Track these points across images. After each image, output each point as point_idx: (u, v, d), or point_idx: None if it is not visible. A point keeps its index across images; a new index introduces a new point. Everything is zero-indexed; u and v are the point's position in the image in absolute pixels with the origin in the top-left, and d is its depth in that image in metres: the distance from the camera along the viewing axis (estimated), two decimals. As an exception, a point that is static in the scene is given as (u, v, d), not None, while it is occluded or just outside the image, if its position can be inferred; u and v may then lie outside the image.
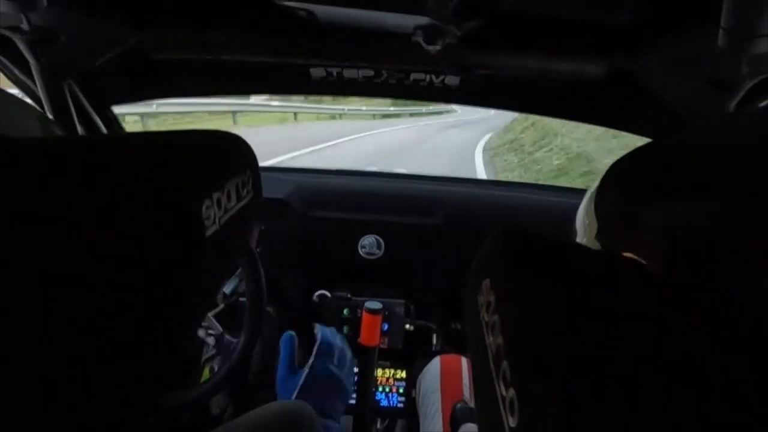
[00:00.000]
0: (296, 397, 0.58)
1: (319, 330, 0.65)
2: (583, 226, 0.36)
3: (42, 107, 0.74)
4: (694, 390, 0.14)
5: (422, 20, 0.63)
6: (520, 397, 0.16)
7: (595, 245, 0.32)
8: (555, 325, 0.17)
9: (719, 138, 0.24)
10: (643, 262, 0.23)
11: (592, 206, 0.34)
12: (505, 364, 0.18)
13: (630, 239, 0.25)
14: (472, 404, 0.81)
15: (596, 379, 0.15)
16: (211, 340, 0.88)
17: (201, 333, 0.85)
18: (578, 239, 0.37)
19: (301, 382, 0.59)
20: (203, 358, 0.94)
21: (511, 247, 0.23)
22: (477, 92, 0.98)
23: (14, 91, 0.71)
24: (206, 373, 0.91)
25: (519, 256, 0.22)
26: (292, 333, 0.64)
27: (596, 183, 0.35)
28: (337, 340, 0.67)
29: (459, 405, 0.74)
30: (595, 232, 0.32)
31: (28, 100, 0.77)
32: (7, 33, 0.65)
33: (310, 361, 0.61)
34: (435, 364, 0.96)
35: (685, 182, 0.22)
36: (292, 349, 0.63)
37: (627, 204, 0.27)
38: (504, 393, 0.17)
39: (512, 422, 0.16)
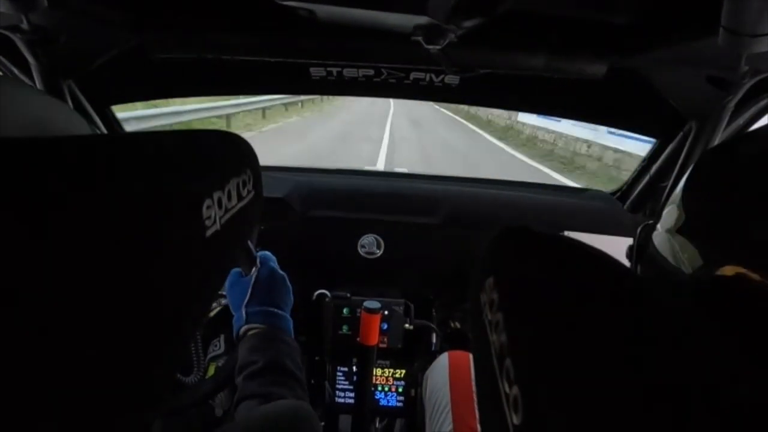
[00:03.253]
0: (249, 296, 0.62)
1: (259, 251, 0.69)
2: (670, 216, 0.33)
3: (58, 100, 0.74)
4: (698, 390, 0.14)
5: (422, 20, 0.63)
6: (523, 394, 0.16)
7: (684, 247, 0.30)
8: (558, 323, 0.17)
9: None
10: (754, 276, 0.21)
11: (681, 196, 0.31)
12: (508, 361, 0.18)
13: (728, 248, 0.23)
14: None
15: (599, 376, 0.15)
16: (221, 339, 0.88)
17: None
18: (659, 229, 0.35)
19: (252, 281, 0.63)
20: (209, 356, 0.94)
21: (514, 245, 0.23)
22: (477, 92, 0.98)
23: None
24: (211, 371, 0.92)
25: (522, 254, 0.22)
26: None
27: (689, 170, 0.32)
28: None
29: None
30: (681, 225, 0.30)
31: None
32: (7, 33, 0.65)
33: (254, 269, 0.65)
34: (443, 361, 0.95)
35: None
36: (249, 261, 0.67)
37: (723, 202, 0.24)
38: (507, 391, 0.17)
39: (516, 420, 0.16)
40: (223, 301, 0.91)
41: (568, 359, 0.16)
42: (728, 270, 0.23)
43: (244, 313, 0.61)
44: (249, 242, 0.67)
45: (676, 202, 0.33)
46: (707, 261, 0.27)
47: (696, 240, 0.29)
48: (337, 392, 1.22)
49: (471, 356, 0.93)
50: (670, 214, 0.34)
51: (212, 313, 0.90)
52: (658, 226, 0.36)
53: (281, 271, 0.68)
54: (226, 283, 0.67)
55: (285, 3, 0.61)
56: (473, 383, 0.85)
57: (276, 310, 0.62)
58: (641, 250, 0.40)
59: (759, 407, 0.13)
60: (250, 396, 0.53)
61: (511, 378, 0.17)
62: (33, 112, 0.28)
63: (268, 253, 0.70)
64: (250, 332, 0.60)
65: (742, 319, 0.17)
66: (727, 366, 0.15)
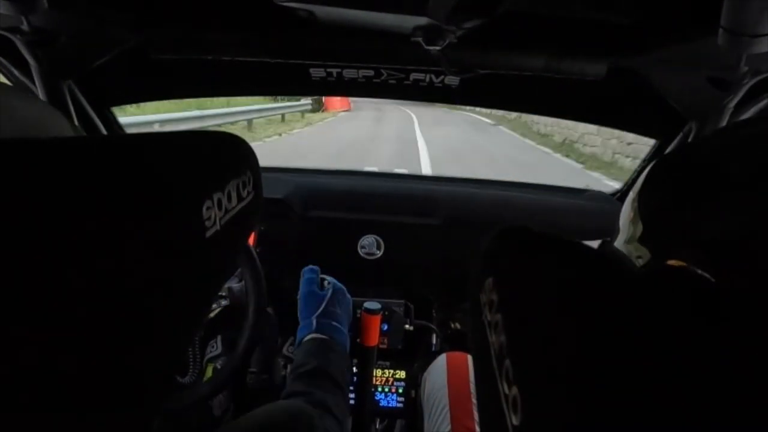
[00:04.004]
0: (323, 309, 0.70)
1: (329, 278, 0.79)
2: (626, 228, 0.35)
3: (37, 98, 0.73)
4: (698, 391, 0.14)
5: (422, 20, 0.63)
6: (523, 395, 0.16)
7: (639, 249, 0.31)
8: (557, 324, 0.17)
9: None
10: (698, 270, 0.22)
11: (635, 206, 0.32)
12: (507, 362, 0.18)
13: (678, 246, 0.24)
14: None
15: (599, 377, 0.15)
16: (218, 340, 0.88)
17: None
18: (618, 241, 0.36)
19: (329, 296, 0.72)
20: (207, 357, 0.94)
21: (513, 246, 0.23)
22: (477, 92, 0.98)
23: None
24: (209, 372, 0.91)
25: (522, 255, 0.22)
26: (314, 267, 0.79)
27: (640, 181, 0.33)
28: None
29: None
30: (639, 235, 0.31)
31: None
32: (7, 34, 0.65)
33: (328, 284, 0.76)
34: (441, 362, 0.95)
35: (740, 183, 0.21)
36: (315, 273, 0.78)
37: (675, 206, 0.25)
38: (507, 391, 0.17)
39: (515, 420, 0.16)
40: (223, 302, 0.90)
41: (567, 359, 0.16)
42: (673, 263, 0.24)
43: (315, 322, 0.68)
44: (249, 245, 0.68)
45: (629, 215, 0.34)
46: (654, 255, 0.29)
47: (650, 244, 0.30)
48: None
49: (469, 357, 0.93)
50: (624, 225, 0.35)
51: (211, 314, 0.90)
52: (617, 240, 0.37)
53: (348, 295, 0.77)
54: (301, 291, 0.74)
55: (285, 4, 0.61)
56: (471, 384, 0.85)
57: (339, 325, 0.69)
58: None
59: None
60: (295, 393, 0.58)
61: (511, 378, 0.17)
62: (28, 119, 0.28)
63: (335, 281, 0.79)
64: (311, 339, 0.66)
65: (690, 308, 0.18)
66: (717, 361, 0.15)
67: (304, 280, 0.76)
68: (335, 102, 14.20)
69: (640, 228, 0.31)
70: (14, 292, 0.14)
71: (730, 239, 0.21)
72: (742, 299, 0.18)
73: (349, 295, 0.77)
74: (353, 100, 15.74)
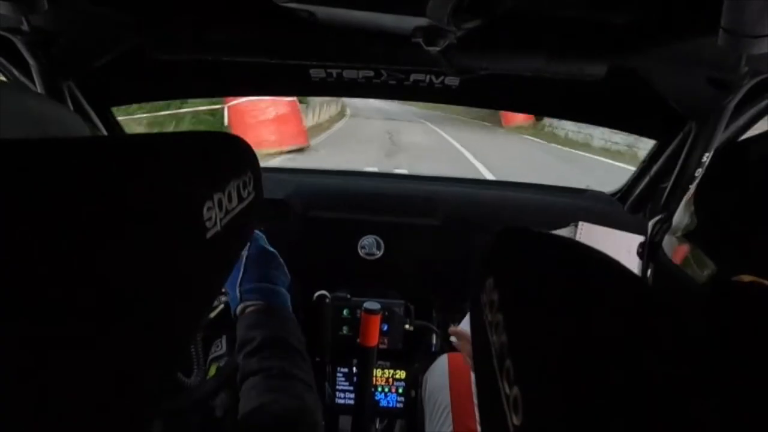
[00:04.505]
0: (242, 275, 0.61)
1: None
2: (681, 218, 0.32)
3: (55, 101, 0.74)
4: (699, 394, 0.14)
5: (422, 21, 0.63)
6: (524, 395, 0.16)
7: (687, 245, 0.29)
8: (559, 323, 0.17)
9: None
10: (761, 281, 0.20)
11: (692, 201, 0.30)
12: (508, 362, 0.18)
13: (746, 257, 0.22)
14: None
15: (600, 377, 0.15)
16: (223, 340, 0.88)
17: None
18: (669, 235, 0.34)
19: (243, 259, 0.63)
20: (210, 357, 0.94)
21: (514, 246, 0.23)
22: (477, 93, 0.98)
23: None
24: (213, 372, 0.92)
25: (523, 255, 0.22)
26: None
27: (701, 174, 0.30)
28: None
29: None
30: (692, 229, 0.29)
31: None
32: (7, 34, 0.65)
33: (246, 247, 0.65)
34: (442, 362, 0.96)
35: None
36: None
37: (739, 212, 0.23)
38: (508, 391, 0.17)
39: (516, 420, 0.16)
40: (223, 299, 0.91)
41: (568, 360, 0.16)
42: (744, 278, 0.22)
43: (238, 292, 0.60)
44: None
45: (687, 205, 0.32)
46: (721, 268, 0.26)
47: (707, 246, 0.28)
48: (337, 393, 1.22)
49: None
50: (680, 216, 0.33)
51: (214, 314, 0.90)
52: (672, 228, 0.35)
53: (271, 248, 0.68)
54: None
55: (285, 4, 0.61)
56: (473, 385, 0.85)
57: (271, 285, 0.62)
58: (654, 248, 0.39)
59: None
60: (251, 373, 0.52)
61: (512, 378, 0.17)
62: (33, 116, 0.28)
63: (257, 231, 0.69)
64: (247, 309, 0.60)
65: (757, 327, 0.17)
66: (730, 370, 0.15)
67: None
68: (256, 129, 6.07)
69: (694, 222, 0.29)
70: (13, 292, 0.14)
71: None
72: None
73: (272, 250, 0.68)
74: (350, 105, 10.71)
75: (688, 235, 0.30)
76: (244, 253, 0.64)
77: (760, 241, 0.22)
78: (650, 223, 0.40)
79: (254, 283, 0.61)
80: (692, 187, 0.33)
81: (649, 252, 0.41)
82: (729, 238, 0.26)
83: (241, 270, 0.62)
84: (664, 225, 0.36)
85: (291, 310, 0.62)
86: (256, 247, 0.66)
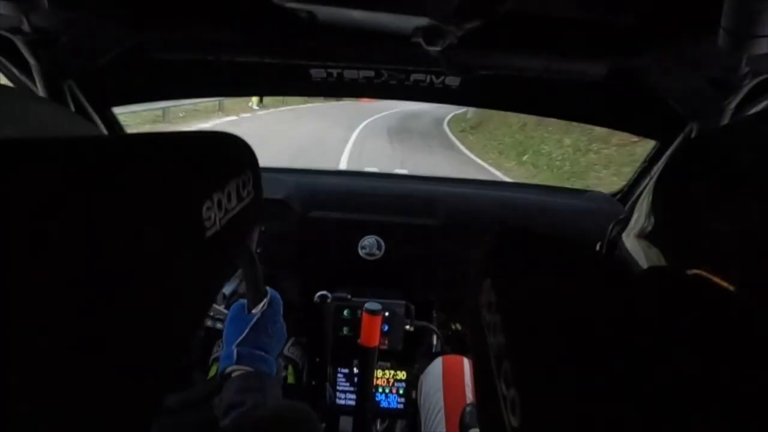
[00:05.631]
0: (244, 337, 0.63)
1: (270, 290, 0.70)
2: (640, 219, 0.33)
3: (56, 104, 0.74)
4: (697, 394, 0.14)
5: (422, 21, 0.63)
6: (521, 396, 0.16)
7: (645, 244, 0.29)
8: (556, 325, 0.17)
9: None
10: (715, 279, 0.21)
11: (649, 199, 0.31)
12: (506, 363, 0.18)
13: (696, 251, 0.23)
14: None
15: (598, 378, 0.15)
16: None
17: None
18: (628, 233, 0.34)
19: (253, 322, 0.65)
20: (212, 357, 0.94)
21: (512, 247, 0.23)
22: (477, 93, 0.98)
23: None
24: (213, 371, 0.92)
25: (520, 256, 0.22)
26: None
27: (657, 175, 0.31)
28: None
29: (468, 408, 0.74)
30: (649, 229, 0.29)
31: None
32: (8, 34, 0.65)
33: (261, 306, 0.67)
34: (437, 365, 0.96)
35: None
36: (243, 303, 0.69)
37: (696, 204, 0.24)
38: (505, 392, 0.17)
39: (514, 422, 0.16)
40: (221, 304, 0.91)
41: (566, 361, 0.16)
42: (694, 272, 0.22)
43: (235, 352, 0.62)
44: (259, 268, 0.68)
45: (644, 203, 0.33)
46: (673, 264, 0.27)
47: (662, 245, 0.28)
48: (337, 394, 1.22)
49: (465, 360, 0.93)
50: (639, 217, 0.34)
51: (214, 313, 0.90)
52: (629, 227, 0.35)
53: (282, 321, 0.70)
54: (228, 315, 0.68)
55: (285, 4, 0.61)
56: (466, 387, 0.86)
57: (266, 354, 0.63)
58: (611, 248, 0.39)
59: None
60: None
61: (509, 380, 0.17)
62: (34, 119, 0.28)
63: (277, 295, 0.71)
64: (235, 373, 0.61)
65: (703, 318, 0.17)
66: (723, 375, 0.15)
67: (234, 304, 0.70)
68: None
69: (651, 222, 0.30)
70: (13, 292, 0.14)
71: (760, 248, 0.20)
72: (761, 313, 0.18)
73: (282, 323, 0.70)
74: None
75: (644, 234, 0.30)
76: (257, 314, 0.66)
77: (710, 238, 0.22)
78: (610, 226, 0.40)
79: (252, 349, 0.63)
80: (651, 185, 0.33)
81: (607, 252, 0.42)
82: (681, 237, 0.26)
83: (246, 331, 0.64)
84: (622, 225, 0.37)
85: (274, 373, 0.65)
86: (271, 314, 0.67)
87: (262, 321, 0.65)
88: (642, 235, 0.31)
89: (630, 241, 0.34)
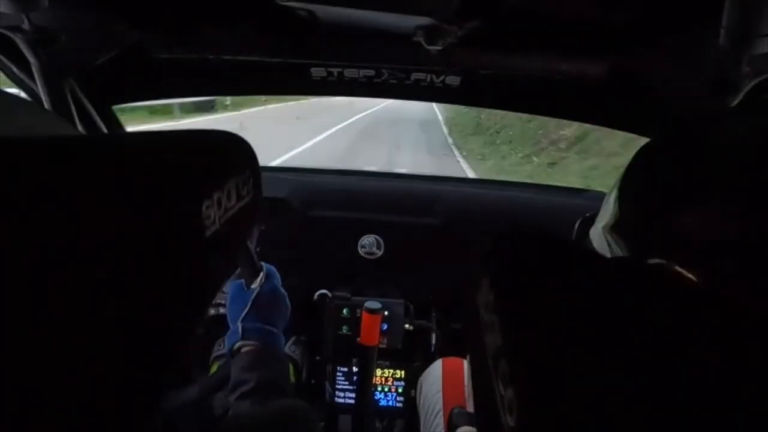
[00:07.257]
0: (248, 311, 0.63)
1: (264, 264, 0.70)
2: (606, 212, 0.34)
3: (42, 106, 0.74)
4: (693, 390, 0.14)
5: (423, 20, 0.63)
6: (519, 396, 0.16)
7: (613, 238, 0.30)
8: (554, 325, 0.17)
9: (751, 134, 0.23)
10: (680, 270, 0.22)
11: (615, 195, 0.31)
12: (504, 363, 0.18)
13: (660, 244, 0.23)
14: (470, 408, 0.81)
15: (594, 378, 0.15)
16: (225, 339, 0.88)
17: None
18: (596, 227, 0.35)
19: (253, 295, 0.64)
20: (213, 355, 0.94)
21: (509, 247, 0.23)
22: (477, 92, 0.98)
23: (14, 90, 0.71)
24: (214, 370, 0.92)
25: (518, 256, 0.22)
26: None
27: (624, 170, 0.32)
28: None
29: (456, 410, 0.75)
30: (615, 222, 0.30)
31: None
32: (8, 33, 0.65)
33: (259, 280, 0.66)
34: (437, 367, 0.96)
35: (734, 181, 0.20)
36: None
37: (658, 199, 0.25)
38: (503, 392, 0.17)
39: (511, 421, 0.16)
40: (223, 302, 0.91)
41: (563, 361, 0.16)
42: (654, 261, 0.23)
43: (240, 327, 0.62)
44: (250, 245, 0.68)
45: (612, 200, 0.33)
46: (634, 252, 0.28)
47: (627, 238, 0.29)
48: (337, 392, 1.23)
49: (465, 362, 0.93)
50: (606, 211, 0.34)
51: (219, 313, 0.90)
52: (596, 221, 0.36)
53: (282, 290, 0.69)
54: (229, 294, 0.67)
55: (286, 3, 0.61)
56: (466, 389, 0.86)
57: (271, 328, 0.63)
58: (579, 241, 0.40)
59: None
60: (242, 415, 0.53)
61: (507, 379, 0.17)
62: (19, 121, 0.28)
63: (272, 268, 0.71)
64: (244, 349, 0.61)
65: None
66: (727, 376, 0.15)
67: (231, 284, 0.69)
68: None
69: (617, 216, 0.30)
70: (12, 292, 0.15)
71: (722, 240, 0.20)
72: (731, 303, 0.18)
73: (283, 291, 0.69)
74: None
75: (610, 227, 0.31)
76: (256, 288, 0.65)
77: (671, 230, 0.23)
78: (576, 223, 0.41)
79: (256, 323, 0.62)
80: (618, 181, 0.34)
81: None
82: (644, 229, 0.27)
83: (248, 306, 0.63)
84: (588, 222, 0.37)
85: (283, 350, 0.64)
86: (270, 286, 0.67)
87: (262, 294, 0.65)
88: (607, 228, 0.32)
89: (596, 234, 0.35)
